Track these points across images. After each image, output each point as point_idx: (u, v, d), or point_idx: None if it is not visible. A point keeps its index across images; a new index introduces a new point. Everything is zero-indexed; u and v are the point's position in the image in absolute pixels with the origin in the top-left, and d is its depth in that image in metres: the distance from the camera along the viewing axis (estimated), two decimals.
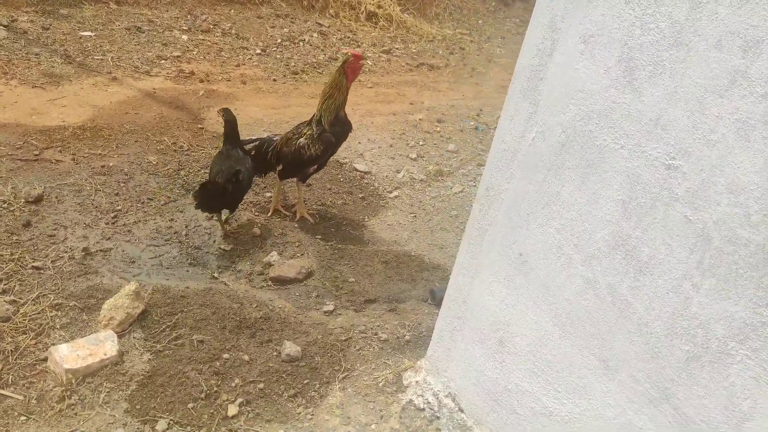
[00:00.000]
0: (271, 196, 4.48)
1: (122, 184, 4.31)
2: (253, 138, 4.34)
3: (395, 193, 4.88)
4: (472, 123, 6.38)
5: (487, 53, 8.64)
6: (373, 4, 8.71)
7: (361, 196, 4.78)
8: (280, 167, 4.22)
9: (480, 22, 9.75)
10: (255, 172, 4.12)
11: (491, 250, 2.52)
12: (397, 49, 8.10)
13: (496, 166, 2.44)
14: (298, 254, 3.99)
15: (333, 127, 4.00)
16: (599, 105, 1.99)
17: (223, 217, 4.08)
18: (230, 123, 3.93)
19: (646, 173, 1.88)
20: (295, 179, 4.32)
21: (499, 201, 2.45)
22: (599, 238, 2.07)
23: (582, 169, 2.08)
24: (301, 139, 4.02)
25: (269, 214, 4.33)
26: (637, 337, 2.00)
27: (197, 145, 4.97)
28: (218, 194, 3.72)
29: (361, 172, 5.09)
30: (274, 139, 4.23)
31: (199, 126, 5.26)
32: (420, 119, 6.26)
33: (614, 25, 1.91)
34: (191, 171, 4.64)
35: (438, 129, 6.12)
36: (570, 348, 2.25)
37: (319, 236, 4.21)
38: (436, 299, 3.67)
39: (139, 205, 4.15)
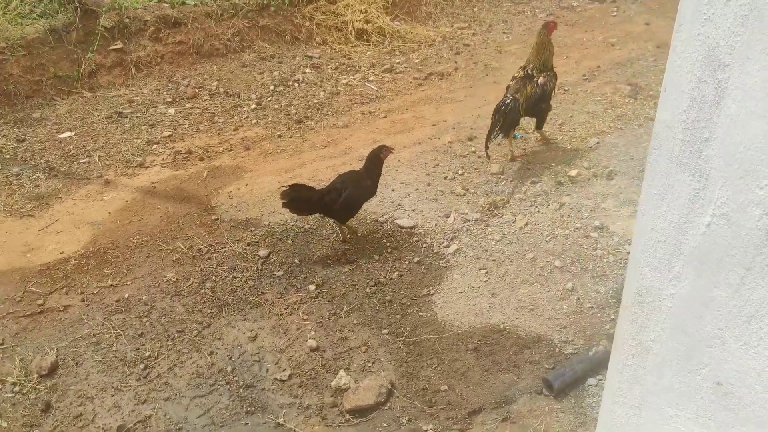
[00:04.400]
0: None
1: (144, 319, 3.66)
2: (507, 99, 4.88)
3: (453, 246, 4.16)
4: None
5: (494, 44, 7.85)
6: (360, 21, 7.96)
7: (416, 260, 4.06)
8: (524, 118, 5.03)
9: (476, 10, 8.94)
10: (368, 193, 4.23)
11: (663, 375, 1.80)
12: (398, 64, 7.35)
13: (647, 263, 1.72)
14: (369, 363, 3.30)
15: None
16: None
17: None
18: (379, 161, 4.16)
19: None
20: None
21: (663, 310, 1.73)
22: None
23: None
24: (540, 79, 4.94)
25: (510, 159, 5.14)
26: None
27: (216, 243, 4.29)
28: (314, 201, 3.96)
29: (406, 228, 4.38)
30: (508, 102, 4.84)
31: (213, 217, 4.58)
32: (449, 142, 5.53)
33: None
34: (218, 279, 3.96)
35: (473, 149, 5.39)
36: None
37: (385, 330, 3.51)
38: (554, 390, 2.96)
39: (169, 342, 3.49)
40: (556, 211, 4.43)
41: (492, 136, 4.84)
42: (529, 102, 4.89)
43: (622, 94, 6.17)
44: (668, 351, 1.76)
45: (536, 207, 4.51)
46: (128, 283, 3.95)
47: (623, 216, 4.28)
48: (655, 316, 1.74)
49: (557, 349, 3.26)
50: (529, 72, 4.98)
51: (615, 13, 8.77)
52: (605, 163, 4.95)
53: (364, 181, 4.12)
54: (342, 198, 3.99)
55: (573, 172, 4.85)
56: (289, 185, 3.89)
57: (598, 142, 5.29)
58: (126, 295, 3.83)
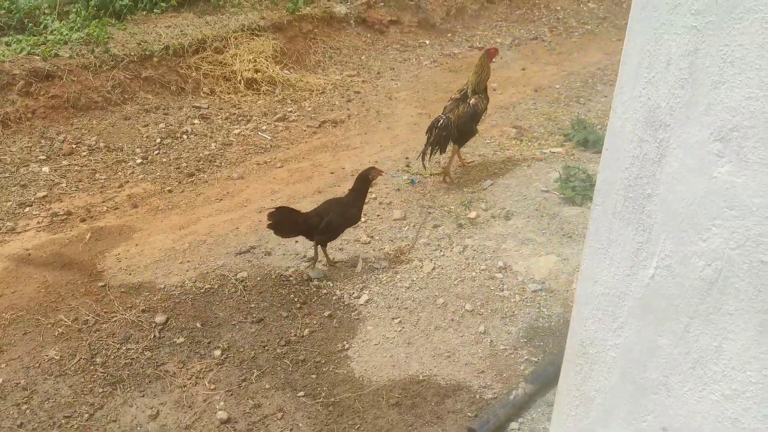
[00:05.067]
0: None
1: (24, 407, 3.22)
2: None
3: (364, 296, 4.06)
4: (405, 177, 5.68)
5: (384, 90, 8.00)
6: (249, 70, 7.84)
7: (327, 314, 3.92)
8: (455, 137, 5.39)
9: (363, 58, 9.10)
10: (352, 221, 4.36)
11: (609, 423, 1.78)
12: (291, 112, 7.27)
13: (591, 315, 1.72)
14: (286, 430, 3.09)
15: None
16: None
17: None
18: (367, 183, 4.27)
19: None
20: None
21: (608, 360, 1.72)
22: None
23: (758, 314, 1.39)
24: (471, 101, 5.40)
25: (442, 177, 5.57)
26: None
27: (105, 312, 3.92)
28: (299, 224, 4.10)
29: (314, 279, 4.23)
30: (441, 120, 5.23)
31: (100, 284, 4.19)
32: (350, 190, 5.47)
33: None
34: (110, 353, 3.60)
35: (373, 195, 5.36)
36: None
37: (301, 393, 3.32)
38: None
39: (55, 431, 3.08)
40: (460, 253, 4.48)
41: (428, 153, 5.25)
42: (460, 120, 5.35)
43: (509, 137, 6.46)
44: (613, 400, 1.75)
45: (441, 251, 4.53)
46: (2, 366, 3.49)
47: (524, 255, 4.40)
48: (599, 366, 1.74)
49: (477, 396, 3.23)
50: (467, 92, 5.45)
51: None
52: (501, 204, 5.09)
53: (349, 208, 4.24)
54: (324, 222, 4.11)
55: (472, 215, 4.95)
56: (275, 207, 4.05)
57: (492, 184, 5.45)
58: (0, 381, 3.37)
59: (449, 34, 10.33)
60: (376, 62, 9.03)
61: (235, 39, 8.23)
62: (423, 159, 5.27)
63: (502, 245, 4.52)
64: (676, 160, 1.40)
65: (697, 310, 1.48)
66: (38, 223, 4.94)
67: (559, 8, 11.80)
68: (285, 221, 4.05)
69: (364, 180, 4.24)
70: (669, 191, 1.43)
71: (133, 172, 5.82)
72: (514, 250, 4.46)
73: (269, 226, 4.02)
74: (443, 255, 4.48)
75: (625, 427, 1.73)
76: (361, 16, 9.94)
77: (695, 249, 1.43)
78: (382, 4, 10.26)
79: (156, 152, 6.20)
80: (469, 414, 3.11)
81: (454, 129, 5.29)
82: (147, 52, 7.46)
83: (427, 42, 9.98)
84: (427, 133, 5.29)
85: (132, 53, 7.41)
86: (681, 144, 1.38)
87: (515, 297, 3.96)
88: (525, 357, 3.47)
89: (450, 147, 5.45)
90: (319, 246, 4.28)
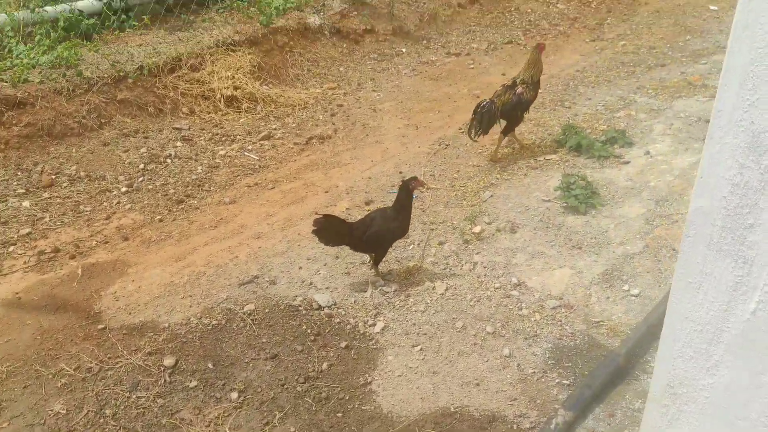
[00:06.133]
0: None
1: None
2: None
3: (380, 323, 3.93)
4: None
5: (367, 102, 7.88)
6: (228, 87, 7.63)
7: (343, 345, 3.78)
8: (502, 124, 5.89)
9: (342, 69, 8.96)
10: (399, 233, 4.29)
11: None
12: (275, 130, 7.10)
13: (681, 353, 1.63)
14: None
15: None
16: None
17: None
18: (408, 193, 4.13)
19: None
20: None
21: (699, 399, 1.64)
22: None
23: None
24: (518, 89, 5.76)
25: (493, 160, 5.99)
26: None
27: (109, 358, 3.71)
28: (343, 233, 4.09)
29: (325, 308, 4.09)
30: (485, 104, 5.62)
31: (99, 326, 3.98)
32: (347, 209, 5.35)
33: None
34: (119, 402, 3.40)
35: None
36: None
37: None
38: None
39: None
40: (471, 271, 4.38)
41: (473, 132, 5.72)
42: (505, 107, 5.77)
43: (501, 145, 6.39)
44: None
45: (450, 269, 4.43)
46: (4, 425, 3.26)
47: (536, 269, 4.33)
48: (689, 407, 1.65)
49: (515, 426, 3.13)
50: (516, 82, 5.85)
51: (472, 66, 9.23)
52: (504, 216, 5.02)
53: (392, 221, 4.14)
54: (366, 235, 4.07)
55: (477, 229, 4.86)
56: (323, 215, 4.01)
57: (491, 195, 5.38)
58: None
59: (424, 41, 10.25)
60: (355, 73, 8.90)
61: (211, 55, 8.00)
62: (470, 135, 5.75)
63: (512, 260, 4.44)
64: None
65: None
66: (25, 263, 4.68)
67: (529, 10, 11.82)
68: (331, 229, 3.99)
69: (406, 191, 4.13)
70: None
71: (119, 202, 5.58)
72: (526, 264, 4.38)
73: (314, 232, 3.95)
74: (454, 274, 4.38)
75: None
76: (336, 26, 9.79)
77: None
78: (356, 13, 10.14)
79: (140, 179, 5.96)
80: None
81: (497, 113, 5.71)
82: (121, 73, 7.21)
83: (404, 50, 9.88)
84: (472, 113, 5.71)
85: (105, 75, 7.14)
86: None
87: (535, 315, 3.88)
88: (556, 380, 3.39)
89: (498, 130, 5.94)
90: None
